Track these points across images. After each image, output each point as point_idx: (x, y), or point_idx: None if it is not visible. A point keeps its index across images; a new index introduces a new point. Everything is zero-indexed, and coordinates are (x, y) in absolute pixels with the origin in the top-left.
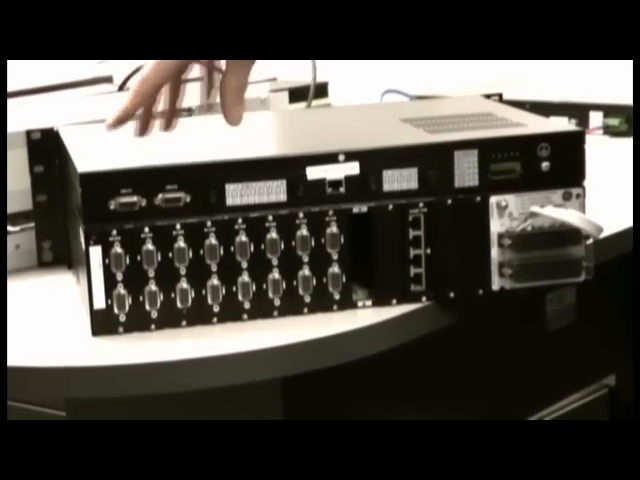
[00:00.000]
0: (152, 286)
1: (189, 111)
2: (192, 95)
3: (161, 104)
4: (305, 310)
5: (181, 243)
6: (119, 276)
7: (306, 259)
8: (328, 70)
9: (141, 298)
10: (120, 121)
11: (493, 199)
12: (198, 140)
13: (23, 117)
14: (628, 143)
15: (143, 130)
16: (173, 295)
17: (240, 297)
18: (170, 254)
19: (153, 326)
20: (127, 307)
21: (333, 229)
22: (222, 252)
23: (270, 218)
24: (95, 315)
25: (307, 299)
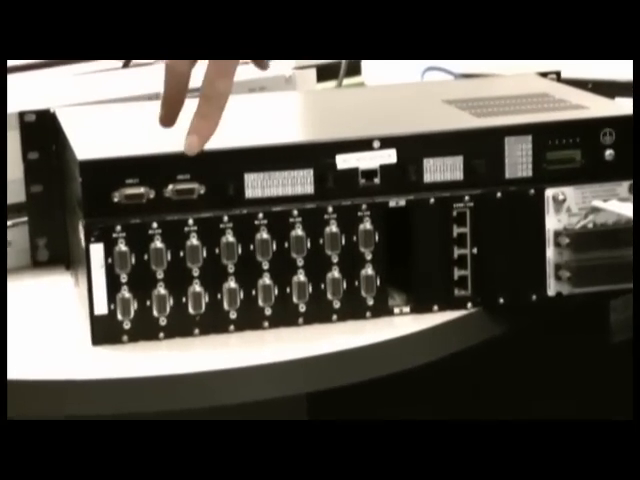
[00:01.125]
0: (161, 289)
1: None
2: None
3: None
4: (334, 317)
5: (194, 240)
6: (124, 277)
7: (336, 259)
8: None
9: (148, 303)
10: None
11: (549, 192)
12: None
13: (15, 97)
14: None
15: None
16: (185, 300)
17: (261, 302)
18: (182, 253)
19: (162, 335)
20: (132, 313)
21: (366, 225)
22: (240, 251)
23: (295, 213)
24: (96, 322)
25: (336, 305)
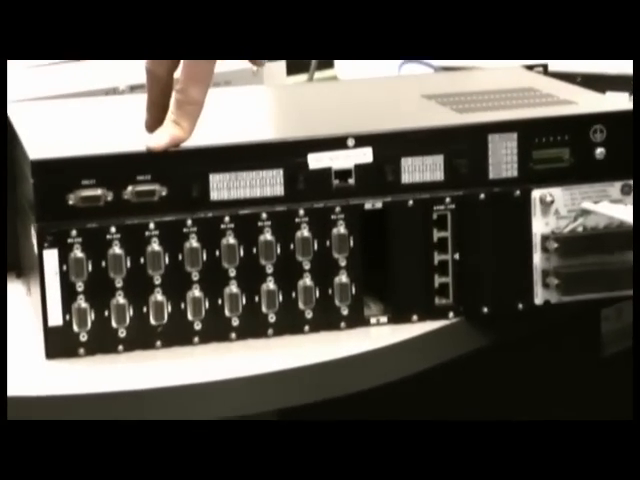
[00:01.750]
0: (120, 299)
1: None
2: None
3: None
4: (306, 328)
5: (155, 246)
6: (80, 286)
7: (307, 266)
8: None
9: (106, 313)
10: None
11: (536, 193)
12: None
13: None
14: None
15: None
16: (146, 310)
17: (227, 312)
18: (142, 259)
19: (121, 347)
20: (89, 324)
21: (340, 229)
22: (205, 257)
23: (264, 216)
24: (50, 334)
25: (309, 315)
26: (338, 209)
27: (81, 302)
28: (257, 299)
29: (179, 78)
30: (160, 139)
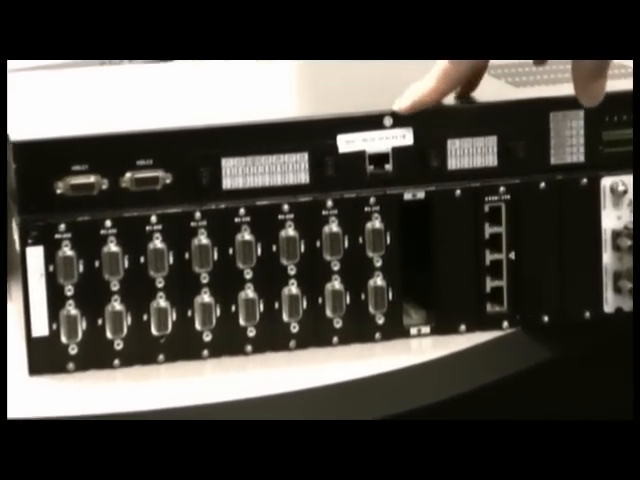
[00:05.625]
0: (117, 305)
1: None
2: None
3: None
4: (335, 340)
5: (158, 243)
6: (69, 289)
7: (337, 267)
8: None
9: (100, 321)
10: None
11: (606, 181)
12: (184, 97)
13: None
14: None
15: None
16: (146, 317)
17: (242, 321)
18: (142, 258)
19: (117, 362)
20: (80, 334)
21: (376, 224)
22: (217, 256)
23: (285, 208)
24: (34, 346)
25: (338, 324)
26: (373, 200)
27: (71, 308)
28: (277, 306)
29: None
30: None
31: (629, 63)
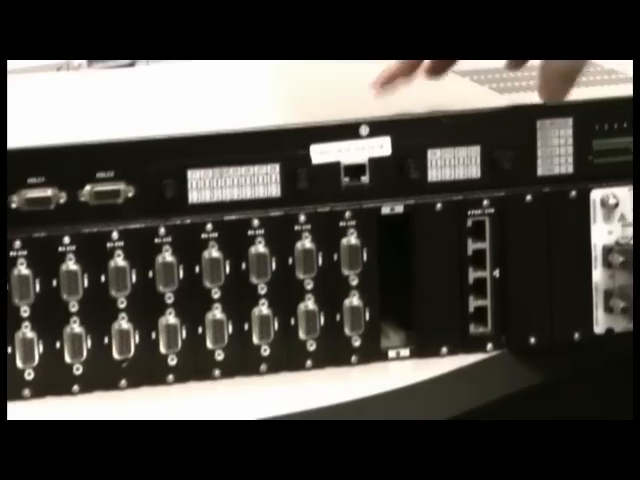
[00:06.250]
0: (76, 327)
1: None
2: None
3: None
4: (308, 363)
5: (120, 261)
6: (25, 310)
7: (310, 285)
8: None
9: (59, 345)
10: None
11: (596, 194)
12: (148, 105)
13: None
14: None
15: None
16: (107, 340)
17: (210, 343)
18: (103, 277)
19: (77, 387)
20: (37, 358)
21: (352, 239)
22: (182, 274)
23: (255, 223)
24: None
25: (311, 346)
26: (348, 214)
27: (27, 331)
28: (247, 327)
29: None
30: None
31: (619, 68)
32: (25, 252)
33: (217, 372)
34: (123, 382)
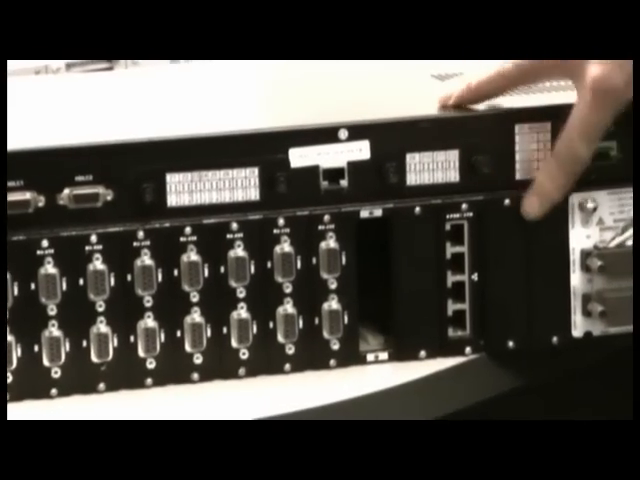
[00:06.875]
0: (54, 330)
1: (110, 62)
2: None
3: None
4: (287, 367)
5: (98, 264)
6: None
7: (289, 289)
8: None
9: (37, 348)
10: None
11: (575, 198)
12: (126, 108)
13: None
14: None
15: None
16: (86, 344)
17: (188, 347)
18: (82, 281)
19: (55, 391)
20: (15, 362)
21: (330, 243)
22: (161, 278)
23: (234, 226)
24: None
25: (290, 350)
26: (327, 218)
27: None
28: (226, 330)
29: (567, 130)
30: (532, 204)
31: None
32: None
33: (196, 375)
34: (101, 386)
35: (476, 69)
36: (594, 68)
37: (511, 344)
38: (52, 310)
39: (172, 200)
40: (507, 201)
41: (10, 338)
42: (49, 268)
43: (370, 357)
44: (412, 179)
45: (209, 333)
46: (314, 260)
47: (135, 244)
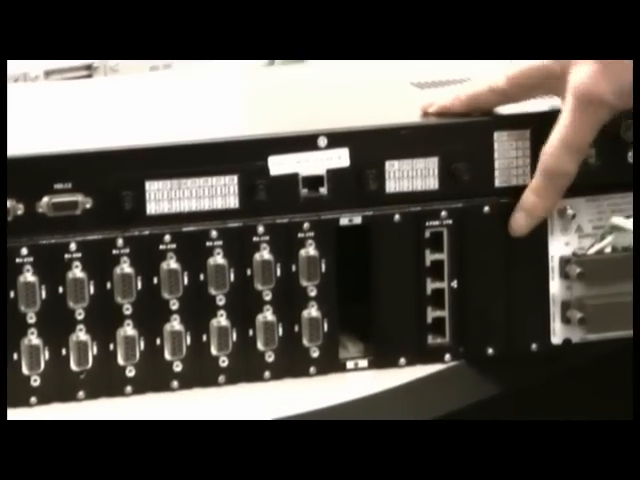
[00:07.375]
0: (33, 338)
1: (89, 69)
2: None
3: None
4: (267, 375)
5: (78, 272)
6: None
7: (268, 297)
8: None
9: (16, 356)
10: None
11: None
12: (105, 115)
13: None
14: None
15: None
16: (65, 352)
17: (168, 355)
18: (61, 289)
19: (34, 399)
20: None
21: (310, 251)
22: (140, 286)
23: (214, 234)
24: None
25: (270, 358)
26: (307, 225)
27: None
28: (205, 338)
29: (551, 144)
30: (519, 220)
31: None
32: None
33: (175, 383)
34: (81, 394)
35: (456, 77)
36: (577, 77)
37: (490, 351)
38: (31, 318)
39: (151, 208)
40: (486, 208)
41: None
42: (28, 276)
43: (350, 364)
44: (391, 186)
45: (189, 341)
46: (294, 267)
47: (114, 252)
